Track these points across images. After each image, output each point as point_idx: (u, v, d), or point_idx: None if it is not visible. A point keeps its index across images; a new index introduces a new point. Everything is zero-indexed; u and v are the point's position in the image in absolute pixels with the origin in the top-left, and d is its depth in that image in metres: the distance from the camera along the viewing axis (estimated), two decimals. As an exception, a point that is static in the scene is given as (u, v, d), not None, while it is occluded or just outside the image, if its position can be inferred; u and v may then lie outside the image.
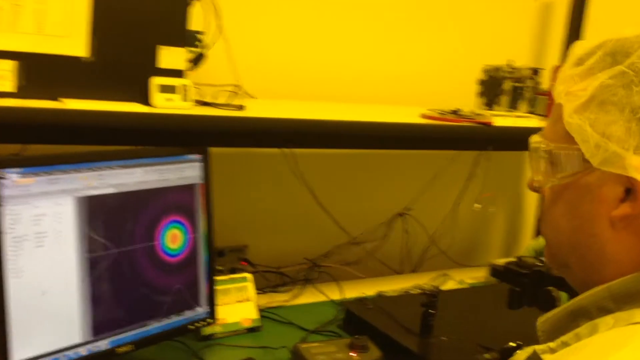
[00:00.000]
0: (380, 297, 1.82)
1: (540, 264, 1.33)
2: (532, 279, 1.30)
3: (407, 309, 1.71)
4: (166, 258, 1.36)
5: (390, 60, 2.14)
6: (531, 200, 2.51)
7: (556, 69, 2.03)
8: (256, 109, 1.57)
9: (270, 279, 1.94)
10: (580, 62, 0.81)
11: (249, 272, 1.75)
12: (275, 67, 1.93)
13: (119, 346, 1.27)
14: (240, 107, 1.52)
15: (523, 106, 2.08)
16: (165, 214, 1.35)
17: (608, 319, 0.77)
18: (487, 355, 1.49)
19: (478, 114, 1.76)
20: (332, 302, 1.87)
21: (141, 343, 1.31)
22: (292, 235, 2.08)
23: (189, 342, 1.53)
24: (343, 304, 1.76)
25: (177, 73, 1.46)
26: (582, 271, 0.83)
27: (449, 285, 2.03)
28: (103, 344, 1.25)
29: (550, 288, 1.25)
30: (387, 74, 2.13)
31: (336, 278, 2.01)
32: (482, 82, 2.07)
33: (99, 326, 1.24)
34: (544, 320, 0.88)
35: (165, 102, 1.43)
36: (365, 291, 1.89)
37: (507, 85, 2.01)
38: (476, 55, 2.19)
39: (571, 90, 0.80)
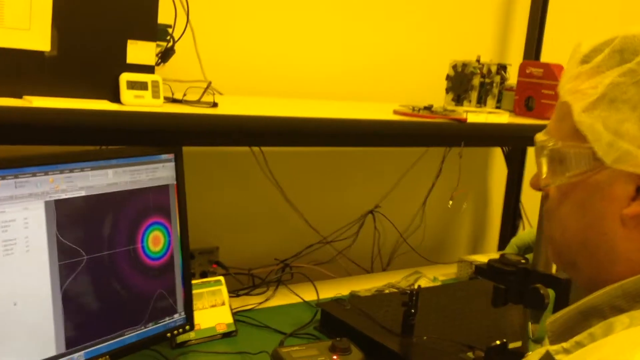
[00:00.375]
0: (356, 297, 1.79)
1: (524, 261, 1.31)
2: (519, 277, 1.27)
3: (385, 309, 1.68)
4: (148, 262, 1.30)
5: (360, 56, 2.10)
6: (497, 196, 2.51)
7: (524, 66, 2.03)
8: (228, 107, 1.51)
9: (242, 282, 1.89)
10: (587, 59, 0.80)
11: (219, 275, 1.70)
12: (243, 63, 1.88)
13: (94, 358, 1.20)
14: (214, 105, 1.46)
15: (491, 102, 2.07)
16: (145, 216, 1.29)
17: (623, 318, 0.76)
18: (470, 354, 1.48)
19: (451, 110, 1.74)
20: (306, 303, 1.83)
21: (117, 354, 1.25)
22: (262, 236, 2.03)
23: (163, 350, 1.46)
24: (319, 305, 1.72)
25: (147, 69, 1.39)
26: (591, 270, 0.82)
27: (422, 282, 2.01)
28: (78, 357, 1.18)
29: (538, 285, 1.22)
30: (357, 71, 2.10)
31: (308, 278, 1.97)
32: (450, 78, 2.05)
33: (74, 337, 1.17)
34: (552, 320, 0.86)
35: (135, 99, 1.36)
36: (338, 291, 1.86)
37: (476, 80, 2.00)
38: (443, 51, 2.18)
39: (580, 89, 0.79)
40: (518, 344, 1.35)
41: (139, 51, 1.37)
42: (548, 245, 0.90)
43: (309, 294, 1.87)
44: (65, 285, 1.15)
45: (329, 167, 2.12)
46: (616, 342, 0.74)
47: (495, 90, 2.04)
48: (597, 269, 0.81)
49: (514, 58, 2.32)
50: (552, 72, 1.94)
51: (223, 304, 1.64)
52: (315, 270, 1.99)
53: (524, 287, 1.26)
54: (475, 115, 1.75)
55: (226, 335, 1.60)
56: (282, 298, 1.86)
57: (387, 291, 1.92)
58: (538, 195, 3.06)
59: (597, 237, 0.79)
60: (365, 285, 1.94)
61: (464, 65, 2.02)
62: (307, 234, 2.07)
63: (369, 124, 1.66)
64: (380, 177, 2.20)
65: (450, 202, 1.87)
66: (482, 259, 2.17)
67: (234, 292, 1.79)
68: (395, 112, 1.76)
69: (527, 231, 1.34)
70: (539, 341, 1.26)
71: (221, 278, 1.67)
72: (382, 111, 1.78)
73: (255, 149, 1.89)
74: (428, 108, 1.75)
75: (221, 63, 1.76)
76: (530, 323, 1.26)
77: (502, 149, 2.44)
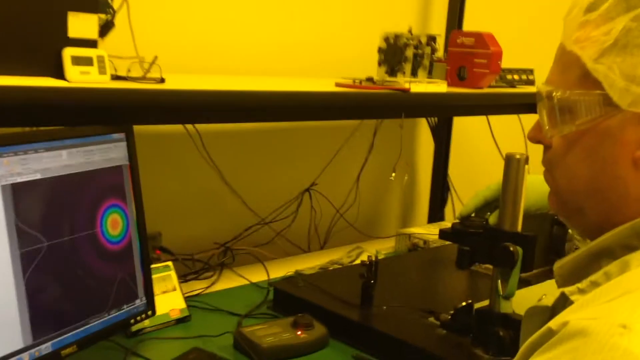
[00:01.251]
0: (308, 275, 1.77)
1: (485, 222, 1.34)
2: (486, 237, 1.30)
3: (338, 283, 1.67)
4: (108, 246, 1.22)
5: (295, 31, 2.07)
6: (425, 169, 2.56)
7: (455, 35, 2.07)
8: (174, 83, 1.44)
9: (186, 266, 1.83)
10: (592, 7, 0.81)
11: (164, 261, 1.63)
12: (180, 40, 1.80)
13: (62, 348, 1.12)
14: (161, 81, 1.39)
15: (422, 74, 2.09)
16: (102, 198, 1.22)
17: (637, 255, 0.78)
18: (432, 319, 1.49)
19: (393, 81, 1.74)
20: (254, 284, 1.79)
21: (84, 342, 1.17)
22: (202, 219, 1.97)
23: (120, 340, 1.39)
24: (272, 285, 1.69)
25: (91, 43, 1.31)
26: (599, 214, 0.84)
27: (365, 257, 2.01)
28: (45, 348, 1.10)
29: (507, 244, 1.25)
30: (291, 46, 2.06)
31: (250, 260, 1.93)
32: (383, 51, 2.06)
33: (40, 328, 1.09)
34: (560, 265, 0.88)
35: (81, 75, 1.27)
36: (282, 272, 1.83)
37: (409, 52, 2.01)
38: (370, 24, 2.19)
39: (590, 36, 0.80)
40: (483, 303, 1.37)
41: (81, 24, 1.29)
42: (550, 195, 0.91)
43: (254, 276, 1.83)
44: (28, 274, 1.06)
45: (265, 147, 2.08)
46: (635, 278, 0.76)
47: (426, 62, 2.06)
48: (607, 213, 0.83)
49: (437, 29, 2.35)
50: (484, 41, 1.98)
51: (174, 289, 1.58)
52: (256, 252, 1.96)
53: (491, 247, 1.29)
54: (417, 85, 1.76)
55: (180, 321, 1.54)
56: (228, 281, 1.82)
57: (331, 268, 1.91)
58: (465, 167, 3.16)
59: (610, 182, 0.81)
60: (307, 264, 1.92)
61: (396, 37, 2.02)
62: (246, 216, 2.03)
63: (316, 96, 1.64)
64: (316, 154, 2.19)
65: (393, 175, 1.88)
66: (419, 230, 2.22)
67: (180, 278, 1.73)
68: (338, 85, 1.75)
69: (495, 183, 1.35)
70: (508, 297, 1.29)
71: (170, 263, 1.61)
72: (323, 85, 1.76)
73: (192, 130, 1.83)
74: (370, 79, 1.75)
75: (158, 39, 1.68)
76: (499, 281, 1.29)
77: (428, 121, 2.47)
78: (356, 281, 1.58)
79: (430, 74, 2.12)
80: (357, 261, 1.98)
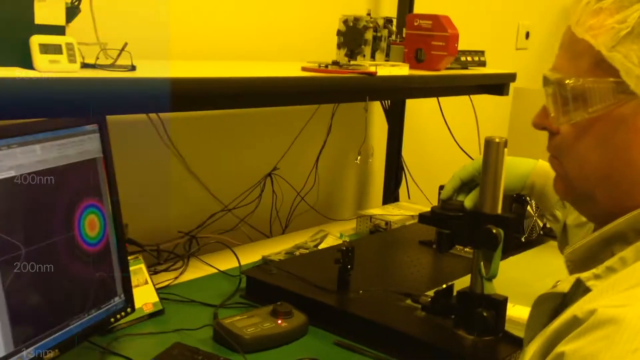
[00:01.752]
0: (279, 262, 1.75)
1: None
2: (467, 220, 1.31)
3: (311, 269, 1.66)
4: (87, 248, 1.17)
5: (255, 14, 2.03)
6: (379, 151, 2.56)
7: (412, 18, 2.07)
8: (144, 71, 1.39)
9: (154, 257, 1.78)
10: None
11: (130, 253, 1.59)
12: (140, 24, 1.73)
13: (45, 352, 1.08)
14: (132, 68, 1.34)
15: (379, 56, 2.09)
16: (79, 197, 1.16)
17: None
18: (408, 302, 1.50)
19: (359, 65, 1.73)
20: (223, 273, 1.77)
21: (65, 346, 1.13)
22: (165, 208, 1.92)
23: (95, 339, 1.34)
24: (244, 273, 1.67)
25: (58, 30, 1.24)
26: (611, 200, 0.86)
27: (330, 240, 2.01)
28: (27, 354, 1.05)
29: (490, 226, 1.27)
30: (253, 30, 2.02)
31: (216, 248, 1.90)
32: (342, 33, 2.04)
33: (21, 335, 1.04)
34: (571, 250, 0.89)
35: (50, 65, 1.21)
36: (248, 259, 1.81)
37: (369, 35, 2.00)
38: (326, 7, 2.17)
39: (604, 24, 0.81)
40: (463, 283, 1.39)
41: (48, 10, 1.23)
42: (556, 181, 0.93)
43: (222, 264, 1.81)
44: (7, 284, 1.01)
45: (226, 132, 2.04)
46: None
47: (384, 44, 2.06)
48: (619, 199, 0.84)
49: (389, 12, 2.35)
50: (442, 24, 2.00)
51: (146, 282, 1.54)
52: (221, 239, 1.92)
53: (472, 230, 1.31)
54: (382, 68, 1.76)
55: (153, 315, 1.50)
56: (196, 271, 1.78)
57: (297, 253, 1.90)
58: (418, 148, 3.18)
59: (622, 168, 0.83)
60: (272, 249, 1.90)
61: (356, 19, 2.01)
62: (209, 203, 1.99)
63: (285, 82, 1.62)
64: (277, 138, 2.16)
65: (359, 158, 1.87)
66: (379, 212, 2.23)
67: (148, 270, 1.69)
68: (304, 69, 1.73)
69: (470, 164, 1.36)
70: (491, 279, 1.32)
71: (139, 256, 1.56)
72: (289, 70, 1.73)
73: (154, 117, 1.78)
74: (336, 63, 1.73)
75: (124, 25, 1.61)
76: (482, 263, 1.30)
77: (382, 103, 2.48)
78: (328, 266, 1.57)
79: (387, 56, 2.12)
80: (322, 245, 1.98)
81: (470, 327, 1.33)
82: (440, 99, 2.44)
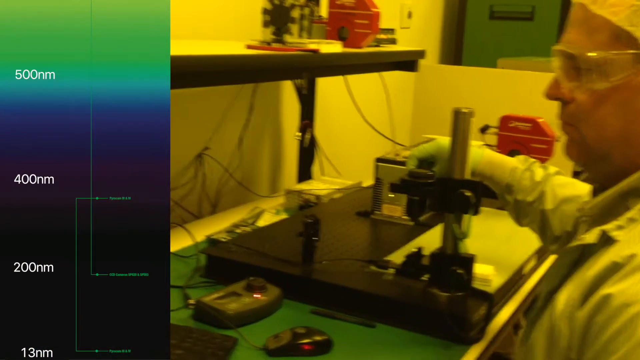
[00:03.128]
0: (233, 239, 1.76)
1: (432, 172, 1.44)
2: (440, 187, 1.40)
3: (268, 245, 1.69)
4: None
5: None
6: (291, 129, 2.61)
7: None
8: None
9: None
10: None
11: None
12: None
13: None
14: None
15: (303, 35, 2.13)
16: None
17: None
18: (373, 267, 1.57)
19: (301, 42, 1.77)
20: (173, 254, 1.75)
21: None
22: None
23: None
24: (204, 252, 1.67)
25: None
26: (626, 159, 0.96)
27: (268, 216, 2.05)
28: None
29: (462, 190, 1.37)
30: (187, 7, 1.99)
31: (184, 228, 1.88)
32: (268, 11, 2.06)
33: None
34: (592, 206, 1.00)
35: None
36: (189, 240, 1.81)
37: (296, 13, 2.03)
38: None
39: (624, 2, 0.91)
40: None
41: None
42: (569, 145, 1.03)
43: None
44: None
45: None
46: None
47: (306, 23, 2.10)
48: (634, 157, 0.95)
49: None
50: (364, 2, 2.07)
51: (110, 268, 1.50)
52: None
53: (444, 195, 1.40)
54: (323, 46, 1.81)
55: (119, 300, 1.47)
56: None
57: (239, 230, 1.92)
58: (330, 127, 3.25)
59: (639, 129, 0.94)
60: (210, 229, 1.91)
61: (282, -3, 2.03)
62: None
63: (232, 59, 1.63)
64: (205, 118, 2.15)
65: (299, 134, 1.91)
66: (307, 187, 2.28)
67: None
68: (249, 47, 1.74)
69: (429, 144, 1.46)
70: (463, 238, 1.42)
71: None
72: (233, 48, 1.74)
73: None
74: (279, 41, 1.76)
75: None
76: (454, 225, 1.40)
77: (294, 82, 2.52)
78: (286, 240, 1.62)
79: (309, 34, 2.17)
80: (260, 222, 2.00)
81: (444, 285, 1.42)
82: (348, 77, 2.52)
